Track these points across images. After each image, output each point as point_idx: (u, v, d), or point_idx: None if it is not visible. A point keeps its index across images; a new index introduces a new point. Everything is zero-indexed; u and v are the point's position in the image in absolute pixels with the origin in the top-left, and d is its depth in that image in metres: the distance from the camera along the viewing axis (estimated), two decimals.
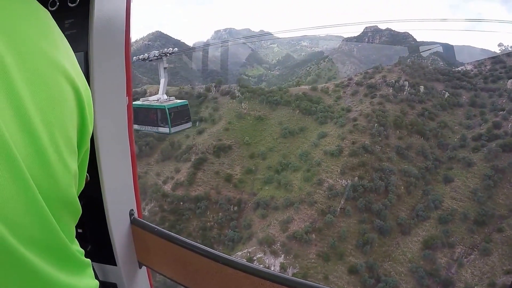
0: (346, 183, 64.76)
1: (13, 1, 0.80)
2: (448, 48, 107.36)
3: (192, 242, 2.47)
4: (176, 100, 15.95)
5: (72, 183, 0.93)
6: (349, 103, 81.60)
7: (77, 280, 1.06)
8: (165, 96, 15.99)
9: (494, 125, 67.14)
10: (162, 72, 16.17)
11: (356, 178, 64.90)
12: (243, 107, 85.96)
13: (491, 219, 55.44)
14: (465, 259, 53.14)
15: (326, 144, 72.69)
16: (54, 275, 0.86)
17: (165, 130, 15.11)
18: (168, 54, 16.01)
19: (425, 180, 64.54)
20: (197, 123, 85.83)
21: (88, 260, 1.18)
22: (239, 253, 59.76)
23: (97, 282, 1.23)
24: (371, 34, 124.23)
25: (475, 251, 53.41)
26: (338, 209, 62.05)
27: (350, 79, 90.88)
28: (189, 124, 16.39)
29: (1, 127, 0.69)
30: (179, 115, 15.76)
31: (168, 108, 15.01)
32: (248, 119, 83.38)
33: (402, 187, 63.98)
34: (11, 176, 0.70)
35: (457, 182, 61.89)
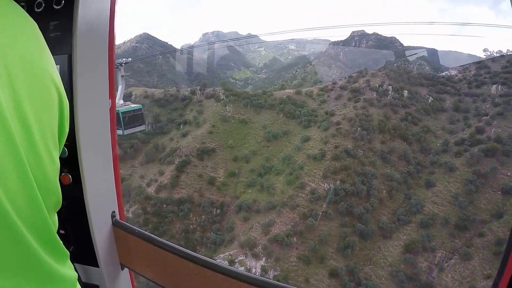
0: (328, 186, 65.39)
1: (10, 14, 0.99)
2: (434, 53, 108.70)
3: (173, 244, 2.53)
4: (131, 105, 17.17)
5: (56, 174, 1.16)
6: (333, 107, 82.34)
7: (60, 267, 1.18)
8: (122, 102, 17.24)
9: (477, 130, 67.91)
10: (119, 80, 17.56)
11: (338, 181, 65.64)
12: (227, 110, 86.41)
13: (472, 224, 56.17)
14: (446, 264, 53.84)
15: (309, 147, 73.51)
16: (43, 256, 1.01)
17: (119, 132, 16.02)
18: (123, 64, 17.30)
19: (407, 184, 65.31)
20: (181, 126, 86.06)
21: (68, 252, 1.27)
22: (221, 255, 60.22)
23: (76, 274, 1.31)
24: (358, 38, 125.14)
25: (456, 255, 53.99)
26: (320, 213, 62.67)
27: (334, 83, 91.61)
28: (142, 127, 18.41)
29: (3, 108, 0.86)
30: (133, 118, 17.17)
31: (121, 112, 16.57)
32: (232, 123, 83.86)
33: (384, 191, 64.68)
34: (8, 148, 0.86)
35: (439, 187, 62.67)
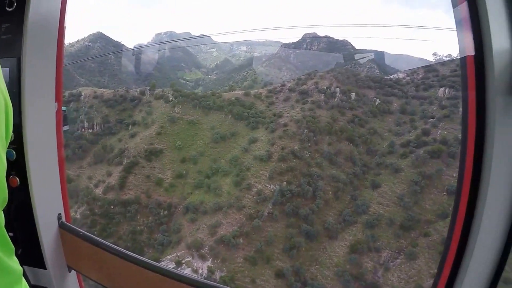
0: (274, 188, 65.46)
1: None
2: (385, 56, 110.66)
3: (117, 247, 2.56)
4: None
5: (4, 174, 1.21)
6: (281, 108, 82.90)
7: (7, 260, 1.25)
8: None
9: (423, 132, 69.77)
10: None
11: (284, 183, 66.32)
12: (176, 111, 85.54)
13: (417, 224, 57.60)
14: (391, 263, 54.97)
15: (256, 149, 74.08)
16: None
17: None
18: None
19: (353, 185, 66.49)
20: (130, 126, 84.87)
21: (13, 246, 1.33)
22: (168, 257, 60.27)
23: (22, 269, 1.36)
24: (310, 41, 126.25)
25: (402, 255, 55.19)
26: (266, 214, 62.93)
27: (283, 85, 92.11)
28: (66, 127, 17.10)
29: None
30: None
31: None
32: (181, 124, 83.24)
33: (330, 192, 65.65)
34: None
35: (384, 188, 64.02)
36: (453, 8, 2.69)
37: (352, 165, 69.71)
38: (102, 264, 2.66)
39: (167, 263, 58.77)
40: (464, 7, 2.58)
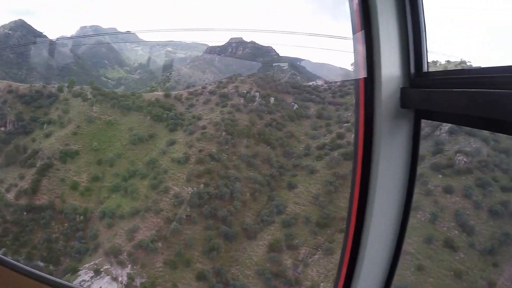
0: (191, 190, 65.97)
1: None
2: (308, 63, 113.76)
3: (12, 261, 2.56)
4: None
5: None
6: (201, 111, 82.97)
7: None
8: None
9: (338, 135, 72.91)
10: None
11: (202, 185, 66.87)
12: (94, 110, 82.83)
13: (332, 221, 59.94)
14: (310, 259, 56.93)
15: (174, 151, 74.23)
16: None
17: None
18: None
19: (270, 186, 68.12)
20: (45, 125, 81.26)
21: None
22: (87, 265, 59.19)
23: None
24: (235, 45, 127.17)
25: (319, 251, 57.46)
26: (184, 217, 63.15)
27: (204, 87, 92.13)
28: None
29: None
30: None
31: None
32: (98, 124, 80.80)
33: (248, 194, 66.95)
34: None
35: (300, 188, 66.04)
36: (352, 34, 3.28)
37: (269, 167, 71.21)
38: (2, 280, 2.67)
39: (86, 272, 57.58)
40: (360, 35, 3.14)
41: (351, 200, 3.32)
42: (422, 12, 3.08)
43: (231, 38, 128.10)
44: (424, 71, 3.07)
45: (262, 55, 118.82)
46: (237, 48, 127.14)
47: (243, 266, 59.02)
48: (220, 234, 62.36)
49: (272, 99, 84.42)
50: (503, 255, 46.28)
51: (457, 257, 48.57)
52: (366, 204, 3.18)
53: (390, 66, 3.01)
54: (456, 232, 51.21)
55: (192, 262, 59.13)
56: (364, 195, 3.17)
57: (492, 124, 2.30)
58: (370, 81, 3.06)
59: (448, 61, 72.82)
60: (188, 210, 64.48)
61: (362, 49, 3.15)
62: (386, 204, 3.16)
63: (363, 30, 3.10)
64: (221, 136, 74.94)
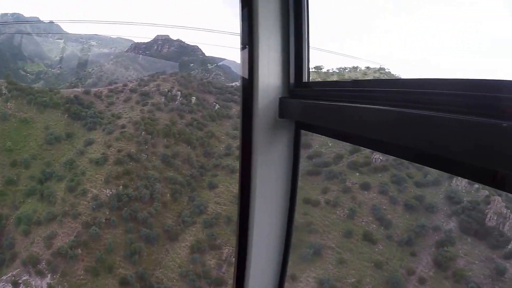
0: (110, 192, 64.12)
1: None
2: (232, 64, 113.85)
3: None
4: None
5: None
6: (121, 109, 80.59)
7: None
8: None
9: None
10: None
11: (121, 187, 65.46)
12: (8, 107, 77.10)
13: None
14: (233, 258, 56.33)
15: (92, 151, 71.31)
16: None
17: None
18: None
19: (190, 187, 67.91)
20: None
21: None
22: (4, 278, 55.06)
23: None
24: (161, 43, 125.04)
25: None
26: (103, 220, 61.11)
27: (125, 85, 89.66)
28: None
29: None
30: None
31: None
32: (13, 122, 74.96)
33: (168, 195, 66.47)
34: None
35: (221, 188, 66.72)
36: (240, 51, 3.37)
37: (189, 167, 70.86)
38: None
39: (4, 285, 54.53)
40: (245, 52, 3.22)
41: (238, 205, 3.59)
42: (305, 22, 3.22)
43: (157, 35, 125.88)
44: (304, 81, 3.23)
45: (188, 54, 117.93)
46: (163, 46, 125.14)
47: (166, 269, 58.78)
48: (141, 237, 61.44)
49: (193, 99, 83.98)
50: (420, 245, 50.56)
51: (376, 249, 51.57)
52: (249, 210, 3.37)
53: (270, 76, 3.14)
54: (374, 226, 53.74)
55: (114, 268, 57.71)
56: (247, 200, 3.38)
57: (363, 142, 2.37)
58: (250, 90, 3.18)
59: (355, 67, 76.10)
60: (107, 213, 62.34)
61: (244, 57, 3.29)
62: (267, 210, 3.39)
63: (246, 39, 3.22)
64: (140, 135, 73.47)
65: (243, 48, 3.32)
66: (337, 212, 56.16)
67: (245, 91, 3.27)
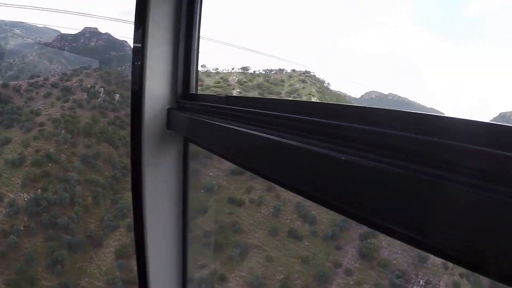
0: (28, 197, 60.42)
1: None
2: None
3: None
4: None
5: None
6: (40, 105, 76.05)
7: None
8: None
9: None
10: None
11: (39, 190, 61.62)
12: None
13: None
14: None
15: (8, 151, 66.47)
16: None
17: None
18: None
19: (113, 189, 64.95)
20: None
21: None
22: None
23: None
24: (89, 36, 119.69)
25: None
26: (22, 228, 57.44)
27: (46, 79, 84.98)
28: None
29: None
30: None
31: None
32: None
33: (90, 198, 63.41)
34: None
35: None
36: (132, 65, 3.31)
37: (111, 168, 68.23)
38: None
39: None
40: (138, 66, 3.15)
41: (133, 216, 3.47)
42: (195, 33, 3.23)
43: (86, 27, 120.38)
44: (191, 92, 3.27)
45: (116, 48, 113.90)
46: (90, 39, 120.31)
47: (92, 278, 56.25)
48: (63, 244, 58.35)
49: (117, 96, 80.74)
50: (344, 238, 50.54)
51: (302, 245, 51.88)
52: (142, 216, 3.30)
53: (158, 85, 3.13)
54: (299, 223, 54.14)
55: (36, 279, 54.34)
56: (140, 210, 3.30)
57: (243, 165, 2.30)
58: (138, 99, 3.13)
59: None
60: (26, 219, 58.86)
61: (134, 66, 3.21)
62: (159, 217, 3.37)
63: (137, 45, 3.17)
64: (60, 134, 69.20)
65: (134, 55, 3.22)
66: (262, 211, 56.51)
67: (134, 101, 3.21)
